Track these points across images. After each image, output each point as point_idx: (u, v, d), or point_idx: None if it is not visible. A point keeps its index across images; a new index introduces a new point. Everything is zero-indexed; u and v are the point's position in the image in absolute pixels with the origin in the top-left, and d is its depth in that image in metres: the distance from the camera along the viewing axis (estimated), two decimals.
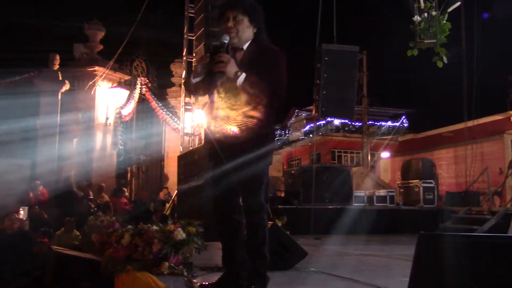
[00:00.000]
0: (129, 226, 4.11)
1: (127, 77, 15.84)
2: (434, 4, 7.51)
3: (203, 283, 3.31)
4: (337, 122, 24.86)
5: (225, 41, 3.01)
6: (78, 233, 7.36)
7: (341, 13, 10.88)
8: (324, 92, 11.60)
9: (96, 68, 14.76)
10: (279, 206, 9.97)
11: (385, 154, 22.79)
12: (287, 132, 27.30)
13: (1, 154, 11.77)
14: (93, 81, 14.62)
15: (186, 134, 13.89)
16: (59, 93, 13.90)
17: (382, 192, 11.68)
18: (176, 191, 11.85)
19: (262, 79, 2.92)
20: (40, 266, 5.30)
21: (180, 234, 3.86)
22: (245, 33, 3.11)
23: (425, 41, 7.46)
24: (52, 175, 12.83)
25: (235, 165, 2.97)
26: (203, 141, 11.27)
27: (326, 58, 11.62)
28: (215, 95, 3.09)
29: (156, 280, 3.38)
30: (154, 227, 3.97)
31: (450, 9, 7.43)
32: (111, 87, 15.16)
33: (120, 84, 15.41)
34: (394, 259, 5.71)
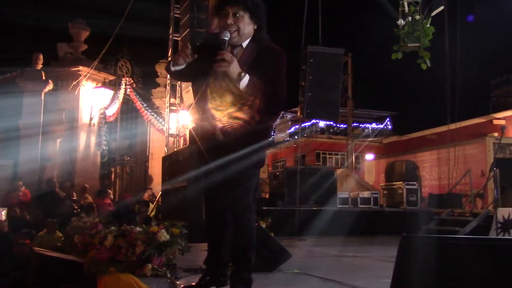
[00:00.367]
0: (112, 228, 4.07)
1: (111, 77, 15.71)
2: (418, 8, 7.59)
3: (187, 284, 3.29)
4: (322, 124, 25.03)
5: (226, 38, 2.87)
6: (60, 234, 7.28)
7: (327, 15, 10.95)
8: (309, 94, 11.66)
9: (80, 68, 14.60)
10: (264, 208, 9.97)
11: (369, 156, 22.95)
12: (272, 133, 27.36)
13: None
14: (77, 81, 14.47)
15: (171, 135, 13.85)
16: (43, 93, 13.76)
17: (366, 194, 11.74)
18: (160, 192, 11.79)
19: (264, 81, 2.84)
20: (21, 267, 5.24)
21: (164, 236, 3.83)
22: (246, 30, 2.98)
23: (409, 45, 7.54)
24: (35, 175, 12.71)
25: (223, 164, 2.89)
26: (188, 142, 11.24)
27: (311, 60, 11.68)
28: (206, 90, 2.97)
29: (139, 282, 3.36)
30: (138, 229, 3.94)
31: (433, 13, 7.52)
32: (96, 87, 15.02)
33: (105, 84, 15.27)
34: (377, 260, 5.74)
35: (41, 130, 13.36)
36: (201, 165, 3.10)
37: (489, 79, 25.33)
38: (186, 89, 12.04)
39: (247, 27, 2.97)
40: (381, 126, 27.55)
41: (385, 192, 12.30)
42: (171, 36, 13.41)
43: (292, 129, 26.33)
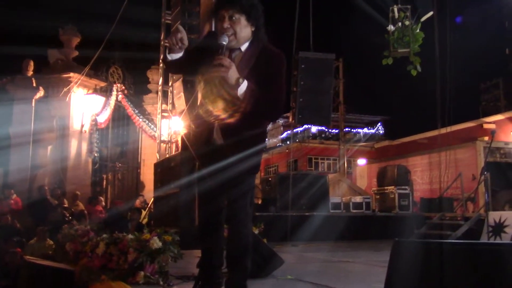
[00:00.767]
0: (104, 235, 4.05)
1: (102, 84, 15.67)
2: (407, 14, 7.65)
3: None
4: (314, 129, 25.11)
5: (224, 43, 2.78)
6: (51, 242, 7.24)
7: (318, 21, 10.99)
8: (301, 99, 11.70)
9: (71, 74, 14.54)
10: (256, 213, 9.96)
11: (361, 161, 23.01)
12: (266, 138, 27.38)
13: None
14: (68, 87, 14.41)
15: (163, 141, 13.81)
16: (33, 100, 13.69)
17: (358, 199, 11.76)
18: (152, 199, 11.75)
19: (265, 86, 2.78)
20: (11, 275, 5.20)
21: (156, 243, 3.81)
22: (243, 33, 2.89)
23: (399, 50, 7.59)
24: (26, 183, 12.62)
25: (217, 170, 2.85)
26: (180, 148, 11.21)
27: (303, 66, 11.73)
28: (200, 87, 2.93)
29: None
30: (130, 236, 3.92)
31: (423, 19, 7.58)
32: (87, 93, 14.97)
33: (96, 90, 15.23)
34: (369, 265, 5.74)
35: (32, 138, 13.28)
36: (194, 171, 3.07)
37: (478, 83, 25.60)
38: (178, 95, 12.01)
39: (244, 29, 2.89)
40: (372, 130, 27.68)
41: (377, 196, 12.34)
42: (162, 42, 13.39)
43: (284, 135, 26.39)
